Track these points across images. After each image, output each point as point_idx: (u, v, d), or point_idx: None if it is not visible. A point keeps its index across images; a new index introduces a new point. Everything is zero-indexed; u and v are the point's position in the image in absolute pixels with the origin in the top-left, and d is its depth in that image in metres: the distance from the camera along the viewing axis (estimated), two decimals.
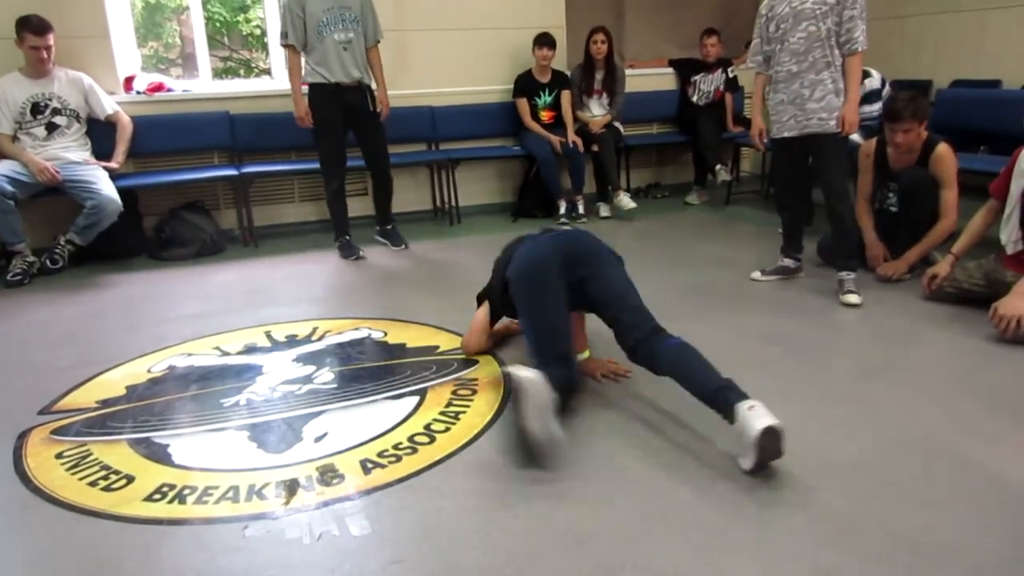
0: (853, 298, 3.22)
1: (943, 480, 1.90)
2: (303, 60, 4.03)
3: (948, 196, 3.42)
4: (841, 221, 3.31)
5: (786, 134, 3.34)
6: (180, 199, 4.56)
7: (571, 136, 5.01)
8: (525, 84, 5.10)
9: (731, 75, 5.62)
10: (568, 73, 5.26)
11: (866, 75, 4.22)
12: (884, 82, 4.26)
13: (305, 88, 4.07)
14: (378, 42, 4.17)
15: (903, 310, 3.16)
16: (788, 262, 3.60)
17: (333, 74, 3.95)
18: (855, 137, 4.16)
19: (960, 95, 5.08)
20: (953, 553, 1.61)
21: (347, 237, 4.27)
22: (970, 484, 1.88)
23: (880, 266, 3.54)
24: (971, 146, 4.71)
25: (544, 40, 4.98)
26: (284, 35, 3.96)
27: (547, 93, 5.10)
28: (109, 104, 4.26)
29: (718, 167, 5.24)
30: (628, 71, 5.50)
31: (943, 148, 3.42)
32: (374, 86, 4.20)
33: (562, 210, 5.02)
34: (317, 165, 4.64)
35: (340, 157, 4.13)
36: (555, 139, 4.96)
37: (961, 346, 2.78)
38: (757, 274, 3.64)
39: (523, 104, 5.09)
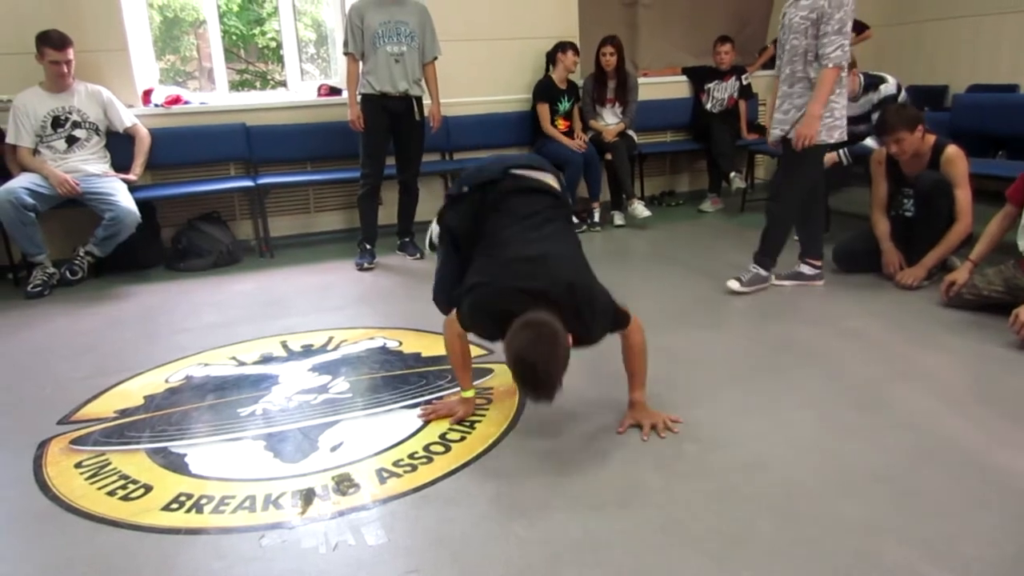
0: (733, 284, 3.48)
1: (964, 489, 1.87)
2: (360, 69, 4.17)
3: (961, 197, 3.41)
4: (769, 219, 3.51)
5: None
6: (197, 210, 4.60)
7: (578, 134, 5.11)
8: (548, 89, 5.09)
9: (745, 82, 5.60)
10: (580, 83, 5.27)
11: (881, 81, 4.20)
12: (900, 87, 4.23)
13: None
14: (435, 58, 4.28)
15: (921, 317, 3.13)
16: (804, 268, 3.61)
17: (380, 83, 4.09)
18: (870, 143, 4.15)
19: (977, 100, 5.04)
20: (976, 564, 1.59)
21: (368, 245, 4.30)
22: (992, 493, 1.85)
23: (898, 274, 3.52)
24: (988, 151, 4.67)
25: (573, 46, 5.03)
26: (346, 43, 4.13)
27: (567, 99, 5.12)
28: (128, 117, 4.31)
29: (732, 174, 5.22)
30: (642, 79, 5.50)
31: (952, 149, 3.43)
32: (426, 98, 4.30)
33: (574, 219, 5.02)
34: (333, 176, 4.81)
35: (377, 163, 4.22)
36: (576, 142, 5.01)
37: (981, 353, 2.75)
38: (771, 278, 3.63)
39: (544, 109, 5.08)
